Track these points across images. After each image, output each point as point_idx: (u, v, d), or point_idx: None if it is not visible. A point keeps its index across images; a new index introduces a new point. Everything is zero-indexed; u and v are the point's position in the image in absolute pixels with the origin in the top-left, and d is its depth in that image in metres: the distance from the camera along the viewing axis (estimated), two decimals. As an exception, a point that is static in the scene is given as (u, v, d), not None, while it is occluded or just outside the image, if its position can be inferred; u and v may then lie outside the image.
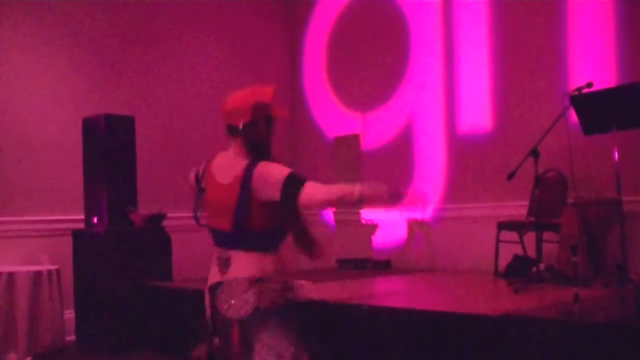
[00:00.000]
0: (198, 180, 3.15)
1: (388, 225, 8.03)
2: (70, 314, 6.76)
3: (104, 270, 6.43)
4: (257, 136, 2.91)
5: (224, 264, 2.99)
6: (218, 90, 8.47)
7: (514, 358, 3.85)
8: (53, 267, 6.55)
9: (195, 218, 3.17)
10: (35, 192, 7.03)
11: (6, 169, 6.89)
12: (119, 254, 6.48)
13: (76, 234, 6.81)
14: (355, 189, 2.87)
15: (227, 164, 2.97)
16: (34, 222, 6.99)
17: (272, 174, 2.83)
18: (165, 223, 6.89)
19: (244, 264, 2.94)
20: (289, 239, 3.15)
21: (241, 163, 2.90)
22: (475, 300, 5.07)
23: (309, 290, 3.12)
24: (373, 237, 8.16)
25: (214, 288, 3.01)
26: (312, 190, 2.82)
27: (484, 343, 4.01)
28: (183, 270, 7.25)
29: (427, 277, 6.77)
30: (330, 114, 8.82)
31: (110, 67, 7.63)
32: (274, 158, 2.99)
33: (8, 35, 6.99)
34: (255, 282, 2.92)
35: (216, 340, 3.07)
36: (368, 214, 8.21)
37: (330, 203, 2.98)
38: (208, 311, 3.10)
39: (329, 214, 8.67)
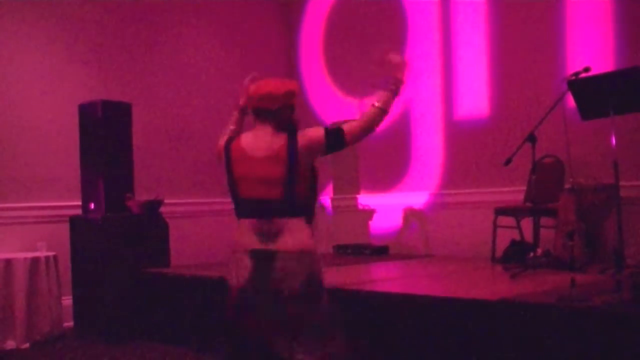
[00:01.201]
0: (226, 153, 3.29)
1: (385, 210, 8.04)
2: (68, 301, 6.77)
3: (102, 256, 6.44)
4: (288, 117, 3.23)
5: (270, 234, 3.07)
6: (215, 77, 8.48)
7: (510, 343, 3.87)
8: (50, 254, 6.55)
9: (232, 192, 3.25)
10: (32, 178, 7.02)
11: (3, 156, 6.88)
12: (116, 240, 6.48)
13: (73, 221, 6.80)
14: (377, 106, 3.27)
15: (260, 140, 3.17)
16: (31, 208, 6.98)
17: (312, 136, 3.15)
18: (162, 209, 6.89)
19: (295, 234, 3.08)
20: None
21: (278, 139, 3.14)
22: (472, 285, 5.08)
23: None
24: (370, 223, 8.17)
25: (261, 255, 3.06)
26: (349, 128, 3.21)
27: (481, 328, 4.02)
28: (181, 257, 7.28)
29: (425, 263, 6.78)
30: (327, 99, 8.81)
31: (107, 53, 7.60)
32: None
33: (3, 22, 6.96)
34: (306, 253, 3.09)
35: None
36: (365, 200, 8.22)
37: (369, 129, 3.28)
38: (245, 278, 3.09)
39: (327, 199, 8.67)
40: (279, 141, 3.14)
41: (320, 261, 3.19)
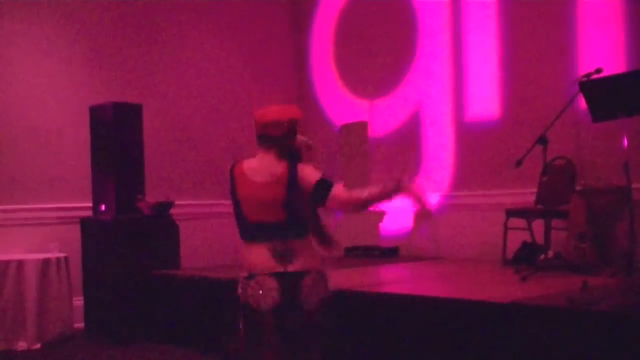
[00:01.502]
0: (232, 180, 3.39)
1: (395, 212, 8.02)
2: (78, 302, 6.79)
3: (112, 258, 6.45)
4: (291, 145, 3.32)
5: (286, 255, 3.21)
6: (225, 78, 8.49)
7: (521, 346, 3.85)
8: (61, 255, 6.58)
9: (239, 217, 3.37)
10: (43, 180, 7.05)
11: (15, 158, 6.91)
12: (126, 241, 6.49)
13: (84, 222, 6.83)
14: (366, 197, 3.27)
15: (262, 167, 3.28)
16: (43, 210, 7.02)
17: (307, 176, 3.22)
18: (173, 211, 6.90)
19: (306, 254, 3.24)
20: None
21: (280, 165, 3.25)
22: (483, 287, 5.06)
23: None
24: (380, 225, 8.16)
25: (286, 276, 3.19)
26: (335, 195, 3.21)
27: (491, 331, 4.01)
28: (191, 258, 7.28)
29: (435, 265, 6.77)
30: (338, 101, 8.80)
31: (117, 55, 7.63)
32: (304, 162, 3.36)
33: (14, 25, 6.99)
34: (316, 272, 3.24)
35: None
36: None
37: (347, 208, 3.37)
38: (274, 299, 3.21)
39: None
40: (281, 167, 3.25)
41: (326, 279, 3.34)
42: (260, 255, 3.22)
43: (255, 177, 3.27)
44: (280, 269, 3.19)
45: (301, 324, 3.21)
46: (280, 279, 3.18)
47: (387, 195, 3.29)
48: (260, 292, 3.21)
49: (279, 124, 3.28)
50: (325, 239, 3.45)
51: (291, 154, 3.30)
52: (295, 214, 3.23)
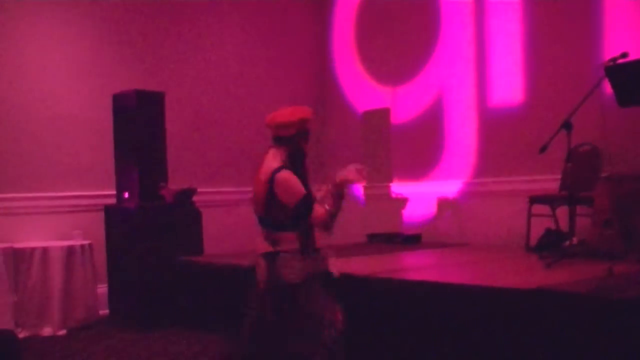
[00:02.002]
0: None
1: (418, 199, 8.00)
2: (102, 289, 6.85)
3: (136, 245, 6.49)
4: (298, 145, 3.61)
5: (273, 241, 3.60)
6: (248, 66, 8.49)
7: (545, 332, 3.83)
8: (86, 242, 6.63)
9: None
10: (68, 168, 7.10)
11: (39, 146, 6.96)
12: (150, 229, 6.53)
13: (108, 210, 6.87)
14: (329, 202, 3.56)
15: (268, 163, 3.60)
16: (67, 197, 7.07)
17: (291, 188, 3.51)
18: (195, 198, 6.92)
19: (293, 240, 3.56)
20: None
21: (274, 165, 3.56)
22: (507, 274, 5.03)
23: (336, 266, 3.66)
24: (403, 212, 8.14)
25: (270, 256, 3.59)
26: (315, 216, 3.54)
27: (516, 317, 3.98)
28: (214, 245, 7.32)
29: (458, 252, 6.74)
30: (360, 88, 8.77)
31: (140, 43, 7.65)
32: (305, 167, 3.64)
33: (37, 13, 7.03)
34: (305, 253, 3.56)
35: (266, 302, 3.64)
36: (398, 188, 8.19)
37: (320, 227, 3.62)
38: (263, 275, 3.62)
39: (359, 188, 8.65)
40: (273, 167, 3.55)
41: (319, 259, 3.63)
42: (260, 241, 3.65)
43: (259, 175, 3.61)
44: (270, 250, 3.59)
45: (284, 298, 3.55)
46: (268, 258, 3.58)
47: (336, 196, 3.56)
48: (257, 270, 3.66)
49: (290, 125, 3.56)
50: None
51: (294, 155, 3.59)
52: (270, 214, 3.58)
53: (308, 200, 3.52)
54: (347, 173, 3.62)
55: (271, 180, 3.53)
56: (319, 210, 3.51)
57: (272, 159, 3.61)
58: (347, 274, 5.19)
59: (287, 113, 3.63)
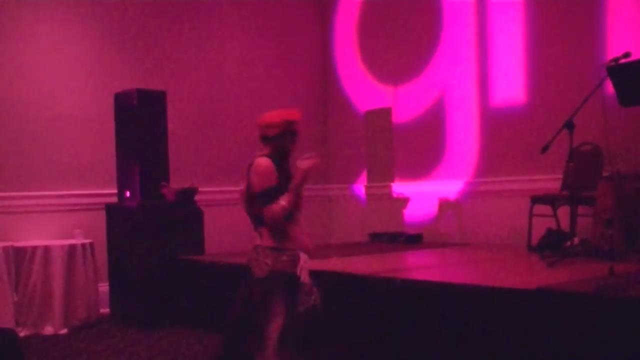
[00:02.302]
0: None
1: (420, 199, 8.00)
2: (104, 288, 6.85)
3: (137, 244, 6.49)
4: (282, 144, 3.70)
5: (259, 235, 3.69)
6: (249, 66, 8.49)
7: (547, 332, 3.82)
8: (87, 241, 6.63)
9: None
10: (68, 167, 7.10)
11: (41, 146, 6.97)
12: (151, 228, 6.53)
13: (109, 208, 6.87)
14: (283, 205, 3.55)
15: (254, 162, 3.69)
16: (68, 196, 7.07)
17: (262, 174, 3.60)
18: (197, 197, 6.92)
19: (268, 235, 3.64)
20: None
21: (257, 155, 3.66)
22: (508, 274, 5.03)
23: (305, 269, 3.67)
24: (405, 211, 8.14)
25: (252, 249, 3.70)
26: (269, 211, 3.56)
27: (517, 317, 3.98)
28: (215, 244, 7.32)
29: (460, 251, 6.74)
30: (362, 87, 8.77)
31: (141, 42, 7.65)
32: (287, 166, 3.72)
33: (39, 13, 7.03)
34: (273, 250, 3.61)
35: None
36: (400, 188, 8.18)
37: (272, 221, 3.60)
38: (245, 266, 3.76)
39: (360, 188, 8.65)
40: (258, 154, 3.66)
41: (291, 256, 3.63)
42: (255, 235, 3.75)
43: (247, 173, 3.69)
44: (256, 244, 3.70)
45: (251, 290, 3.63)
46: (250, 252, 3.71)
47: (295, 188, 3.57)
48: None
49: (274, 125, 3.68)
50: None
51: (279, 153, 3.66)
52: (250, 208, 3.67)
53: (271, 193, 3.57)
54: (304, 163, 3.65)
55: (249, 171, 3.65)
56: (275, 206, 3.54)
57: (263, 157, 3.69)
58: (348, 273, 5.21)
59: (274, 114, 3.76)
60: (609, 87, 5.35)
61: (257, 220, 3.67)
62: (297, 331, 3.58)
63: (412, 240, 7.60)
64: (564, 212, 5.94)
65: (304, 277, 3.64)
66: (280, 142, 3.69)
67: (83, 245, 6.54)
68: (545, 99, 6.87)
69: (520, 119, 7.09)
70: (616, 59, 5.15)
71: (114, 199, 6.94)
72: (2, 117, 6.80)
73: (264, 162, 3.61)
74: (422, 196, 7.95)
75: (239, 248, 7.49)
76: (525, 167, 6.95)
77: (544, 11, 6.95)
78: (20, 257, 6.31)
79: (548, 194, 6.24)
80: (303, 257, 3.65)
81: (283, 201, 3.54)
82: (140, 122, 6.68)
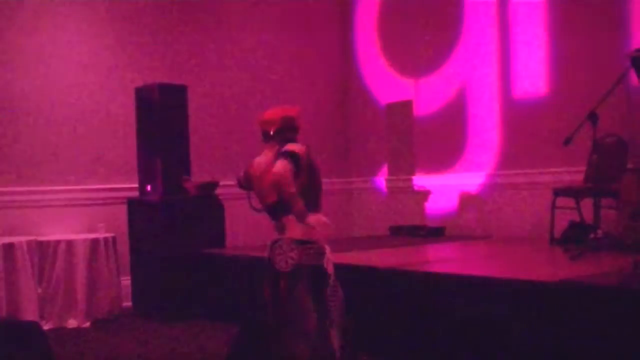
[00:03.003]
0: (244, 179, 4.09)
1: (441, 191, 7.96)
2: (126, 281, 6.89)
3: (159, 237, 6.52)
4: (287, 138, 3.76)
5: (280, 229, 3.71)
6: (271, 60, 8.48)
7: (571, 325, 3.79)
8: (109, 235, 6.67)
9: (251, 206, 4.07)
10: (91, 161, 7.15)
11: (63, 140, 7.02)
12: (172, 221, 6.55)
13: (131, 203, 6.91)
14: (298, 202, 3.56)
15: (262, 159, 3.84)
16: (91, 190, 7.12)
17: (287, 147, 3.66)
18: (218, 191, 6.91)
19: (294, 227, 3.64)
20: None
21: (272, 156, 3.74)
22: (531, 267, 5.00)
23: (331, 261, 3.68)
24: (426, 204, 8.10)
25: (274, 243, 3.72)
26: (280, 164, 3.56)
27: (540, 310, 3.95)
28: (236, 238, 7.33)
29: (482, 244, 6.70)
30: (383, 80, 8.73)
31: (162, 37, 7.66)
32: (296, 155, 3.69)
33: (63, 8, 7.07)
34: (299, 244, 3.62)
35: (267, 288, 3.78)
36: (421, 180, 8.15)
37: (281, 187, 3.58)
38: (266, 261, 3.77)
39: (381, 180, 8.63)
40: (272, 157, 3.73)
41: (318, 249, 3.65)
42: (272, 228, 3.78)
43: (256, 171, 3.84)
44: (276, 237, 3.73)
45: (275, 283, 3.69)
46: (271, 246, 3.73)
47: (299, 215, 3.57)
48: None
49: (273, 122, 3.80)
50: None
51: (284, 148, 3.67)
52: (268, 199, 3.72)
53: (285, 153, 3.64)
54: (317, 221, 3.62)
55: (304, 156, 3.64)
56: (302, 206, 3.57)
57: (267, 153, 3.81)
58: (370, 266, 5.20)
59: (272, 112, 3.88)
60: (633, 78, 5.29)
61: (277, 211, 3.69)
62: (340, 324, 3.62)
63: (434, 233, 7.57)
64: (587, 204, 5.89)
65: (330, 269, 3.66)
66: (283, 137, 3.76)
67: (105, 239, 6.58)
68: (568, 90, 6.80)
69: (542, 110, 7.03)
70: (641, 49, 5.09)
71: (136, 193, 6.97)
72: (25, 113, 6.85)
73: (284, 166, 3.58)
74: (444, 189, 7.92)
75: (260, 241, 7.50)
76: (548, 160, 6.89)
77: (566, 1, 6.87)
78: (43, 251, 6.36)
79: (571, 187, 6.18)
80: (327, 248, 3.67)
81: (294, 192, 3.54)
82: (161, 117, 6.71)
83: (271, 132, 3.81)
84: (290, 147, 3.64)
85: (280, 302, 3.65)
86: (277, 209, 3.71)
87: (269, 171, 3.66)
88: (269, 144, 3.83)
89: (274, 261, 3.67)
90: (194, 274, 6.57)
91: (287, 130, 3.80)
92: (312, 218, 3.60)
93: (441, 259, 6.08)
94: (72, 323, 6.32)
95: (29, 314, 6.09)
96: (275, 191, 3.64)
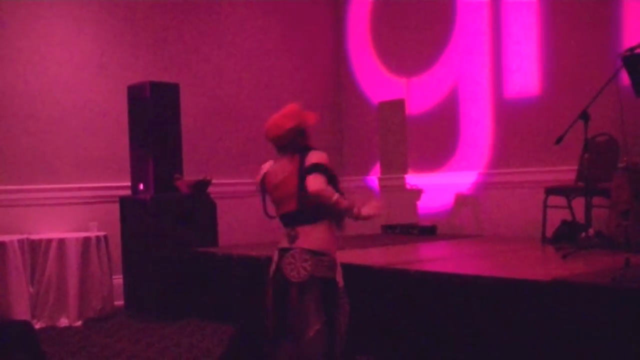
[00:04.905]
0: (258, 187, 3.94)
1: (434, 190, 7.97)
2: (118, 280, 6.88)
3: (151, 236, 6.51)
4: (299, 144, 3.75)
5: (292, 238, 3.65)
6: (262, 56, 8.47)
7: (563, 324, 3.80)
8: (101, 234, 6.66)
9: (266, 213, 3.92)
10: (83, 160, 7.13)
11: (55, 138, 6.99)
12: (165, 220, 6.54)
13: (123, 201, 6.89)
14: (341, 202, 3.59)
15: (279, 167, 3.76)
16: (83, 189, 7.10)
17: (311, 158, 3.65)
18: (210, 189, 6.93)
19: (308, 237, 3.61)
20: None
21: (292, 163, 3.69)
22: (523, 266, 5.01)
23: (341, 274, 3.72)
24: (418, 203, 8.11)
25: (283, 252, 3.67)
26: (312, 179, 3.57)
27: (532, 309, 3.96)
28: (229, 237, 7.33)
29: (474, 243, 6.71)
30: (375, 79, 8.74)
31: (154, 35, 7.65)
32: (323, 167, 3.69)
33: (54, 6, 7.05)
34: (313, 254, 3.59)
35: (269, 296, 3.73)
36: (413, 179, 8.16)
37: (322, 199, 3.58)
38: (273, 268, 3.72)
39: (374, 179, 8.63)
40: (293, 164, 3.69)
41: (330, 261, 3.64)
42: (282, 236, 3.72)
43: (274, 179, 3.75)
44: (285, 246, 3.67)
45: (283, 292, 3.62)
46: (281, 253, 3.68)
47: (347, 212, 3.61)
48: (272, 262, 3.76)
49: (282, 136, 3.72)
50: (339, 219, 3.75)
51: (301, 150, 3.70)
52: (304, 204, 3.62)
53: (318, 164, 3.63)
54: (372, 210, 3.68)
55: (301, 166, 3.65)
56: (331, 191, 3.58)
57: (284, 160, 3.76)
58: (362, 265, 5.20)
59: (278, 123, 3.77)
60: (625, 78, 5.30)
61: (294, 220, 3.66)
62: (342, 342, 3.61)
63: (426, 232, 7.59)
64: (578, 203, 5.91)
65: (341, 282, 3.68)
66: (295, 144, 3.73)
67: (97, 237, 6.57)
68: (560, 90, 6.82)
69: (534, 110, 7.05)
70: (632, 49, 5.09)
71: (128, 192, 6.96)
72: (17, 111, 6.82)
73: (311, 154, 3.65)
74: (436, 188, 7.93)
75: (252, 240, 7.52)
76: (540, 159, 6.91)
77: (558, 0, 6.89)
78: (35, 250, 6.35)
79: (563, 185, 6.20)
80: (338, 261, 3.67)
81: (335, 196, 3.56)
82: (153, 115, 6.69)
83: (284, 145, 3.76)
84: (315, 158, 3.62)
85: (288, 311, 3.61)
86: (295, 218, 3.68)
87: (288, 182, 3.66)
88: (286, 155, 3.76)
89: (284, 270, 3.62)
90: (186, 272, 6.56)
91: (298, 137, 3.76)
92: (365, 210, 3.62)
93: (433, 257, 6.08)
94: (63, 322, 6.30)
95: (21, 312, 6.07)
96: (298, 201, 3.63)
